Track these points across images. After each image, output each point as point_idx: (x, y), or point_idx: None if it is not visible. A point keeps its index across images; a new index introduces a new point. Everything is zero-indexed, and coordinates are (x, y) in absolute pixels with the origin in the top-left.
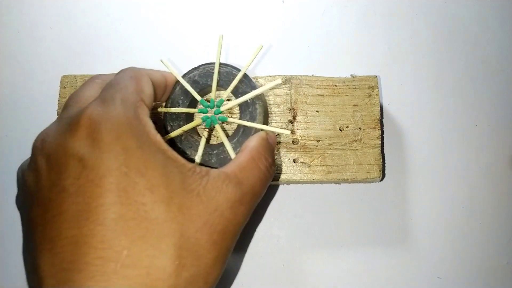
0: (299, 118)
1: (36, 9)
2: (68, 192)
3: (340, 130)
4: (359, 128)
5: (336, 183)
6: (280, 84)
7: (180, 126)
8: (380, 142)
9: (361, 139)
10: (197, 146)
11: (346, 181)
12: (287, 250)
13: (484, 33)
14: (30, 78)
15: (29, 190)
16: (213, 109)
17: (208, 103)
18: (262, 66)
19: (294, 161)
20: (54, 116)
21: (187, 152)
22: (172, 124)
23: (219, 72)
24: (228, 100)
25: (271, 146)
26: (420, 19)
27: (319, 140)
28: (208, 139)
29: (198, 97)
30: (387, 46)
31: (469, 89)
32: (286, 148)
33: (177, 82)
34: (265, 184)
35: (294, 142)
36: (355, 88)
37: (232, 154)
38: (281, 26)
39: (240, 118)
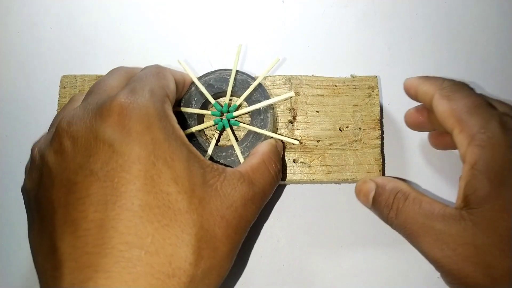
0: (299, 118)
1: (37, 9)
2: (97, 176)
3: (340, 130)
4: (359, 128)
5: (336, 183)
6: (292, 97)
7: (190, 127)
8: (380, 142)
9: (361, 139)
10: (206, 147)
11: (346, 181)
12: (287, 250)
13: (484, 33)
14: (30, 78)
15: (50, 171)
16: (226, 113)
17: (222, 107)
18: (262, 66)
19: (294, 161)
20: (54, 116)
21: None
22: (183, 124)
23: (234, 79)
24: (240, 106)
25: (279, 153)
26: (420, 19)
27: (319, 140)
28: (217, 142)
29: (212, 100)
30: (387, 46)
31: None
32: (286, 148)
33: (192, 83)
34: (274, 187)
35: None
36: (355, 88)
37: (240, 158)
38: (281, 26)
39: (251, 125)
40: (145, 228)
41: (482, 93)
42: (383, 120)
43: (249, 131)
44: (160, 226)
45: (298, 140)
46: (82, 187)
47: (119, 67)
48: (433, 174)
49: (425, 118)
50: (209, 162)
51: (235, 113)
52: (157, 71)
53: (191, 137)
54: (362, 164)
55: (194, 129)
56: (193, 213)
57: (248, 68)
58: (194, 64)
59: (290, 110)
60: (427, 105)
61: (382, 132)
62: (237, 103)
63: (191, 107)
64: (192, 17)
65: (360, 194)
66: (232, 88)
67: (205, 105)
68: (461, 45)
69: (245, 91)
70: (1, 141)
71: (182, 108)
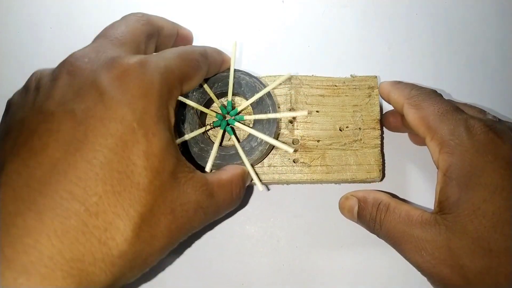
0: (299, 118)
1: (37, 9)
2: (75, 116)
3: (340, 130)
4: (359, 128)
5: (336, 183)
6: (305, 115)
7: (193, 120)
8: (380, 142)
9: (361, 139)
10: (207, 144)
11: (346, 181)
12: (287, 250)
13: (484, 33)
14: None
15: (37, 94)
16: (230, 115)
17: (225, 108)
18: (262, 66)
19: (294, 161)
20: None
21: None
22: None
23: (245, 80)
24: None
25: (246, 182)
26: (420, 19)
27: (319, 140)
28: (221, 142)
29: (213, 113)
30: (387, 46)
31: (468, 89)
32: (285, 117)
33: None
34: (229, 209)
35: (294, 142)
36: (355, 88)
37: (245, 160)
38: (281, 26)
39: (254, 128)
40: (96, 187)
41: (482, 93)
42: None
43: (250, 134)
44: (112, 191)
45: (293, 148)
46: (56, 120)
47: (141, 15)
48: (433, 173)
49: (399, 122)
50: (184, 158)
51: (239, 108)
52: (184, 55)
53: (197, 138)
54: (362, 164)
55: (200, 130)
56: (149, 194)
57: (248, 68)
58: None
59: (290, 110)
60: (399, 112)
61: (382, 132)
62: (243, 106)
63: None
64: (192, 17)
65: (344, 210)
66: (240, 88)
67: (208, 103)
68: (461, 45)
69: (251, 93)
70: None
71: (187, 100)
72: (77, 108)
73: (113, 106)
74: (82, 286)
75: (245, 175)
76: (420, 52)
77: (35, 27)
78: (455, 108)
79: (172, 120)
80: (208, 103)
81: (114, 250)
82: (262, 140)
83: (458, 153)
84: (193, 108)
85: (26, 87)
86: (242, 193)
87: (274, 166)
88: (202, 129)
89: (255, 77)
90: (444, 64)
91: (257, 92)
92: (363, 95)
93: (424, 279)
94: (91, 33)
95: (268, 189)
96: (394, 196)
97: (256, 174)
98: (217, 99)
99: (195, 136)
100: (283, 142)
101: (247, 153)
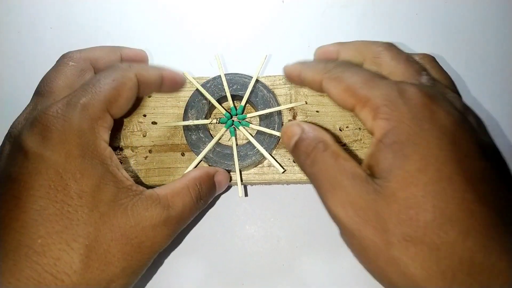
0: (299, 118)
1: (37, 9)
2: (11, 177)
3: (340, 130)
4: (359, 128)
5: None
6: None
7: (202, 109)
8: None
9: (361, 139)
10: (207, 142)
11: None
12: (287, 250)
13: (484, 33)
14: (30, 78)
15: None
16: (238, 118)
17: (229, 112)
18: (262, 66)
19: (294, 161)
20: None
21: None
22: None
23: (263, 93)
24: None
25: (213, 184)
26: (420, 19)
27: None
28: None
29: (222, 110)
30: None
31: (468, 89)
32: (286, 148)
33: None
34: (194, 213)
35: None
36: None
37: (264, 153)
38: (281, 26)
39: (255, 139)
40: (38, 231)
41: (482, 93)
42: None
43: (250, 141)
44: (54, 231)
45: (283, 169)
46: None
47: (67, 55)
48: None
49: (298, 78)
50: (129, 183)
51: (249, 115)
52: (114, 77)
53: (198, 129)
54: None
55: (213, 142)
56: (89, 226)
57: (248, 68)
58: (194, 63)
59: (290, 110)
60: (317, 90)
61: None
62: (249, 115)
63: (202, 107)
64: (192, 17)
65: (284, 135)
66: (256, 98)
67: (221, 100)
68: (461, 45)
69: (263, 106)
70: (2, 141)
71: (203, 90)
72: (12, 171)
73: (37, 159)
74: None
75: (205, 175)
76: (420, 52)
77: (35, 27)
78: (379, 76)
79: (106, 150)
80: (221, 100)
81: (67, 282)
82: (258, 151)
83: (395, 119)
84: (205, 98)
85: None
86: (207, 193)
87: (274, 166)
88: (208, 121)
89: (272, 92)
90: (444, 64)
91: (269, 107)
92: None
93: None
94: (91, 33)
95: (246, 195)
96: None
97: (241, 180)
98: (219, 105)
99: (198, 124)
100: (277, 161)
101: (241, 158)
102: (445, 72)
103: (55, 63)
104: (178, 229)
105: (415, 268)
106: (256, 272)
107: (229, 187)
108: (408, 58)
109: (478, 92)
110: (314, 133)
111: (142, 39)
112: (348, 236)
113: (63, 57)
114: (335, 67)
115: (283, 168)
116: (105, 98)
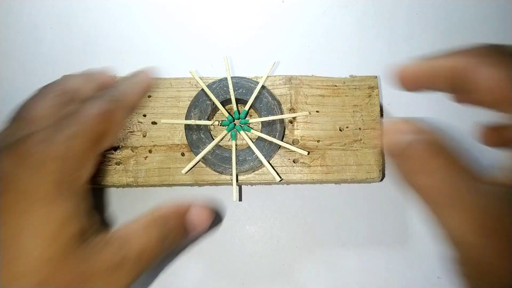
0: (299, 118)
1: (37, 9)
2: None
3: (340, 130)
4: (359, 128)
5: (336, 183)
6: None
7: (205, 110)
8: (380, 142)
9: (361, 139)
10: (208, 142)
11: (346, 181)
12: (287, 250)
13: (484, 33)
14: (30, 78)
15: None
16: (240, 122)
17: (232, 115)
18: (262, 66)
19: (294, 161)
20: None
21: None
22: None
23: (267, 99)
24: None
25: (182, 223)
26: (420, 19)
27: (319, 140)
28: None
29: (225, 113)
30: (387, 46)
31: None
32: (286, 148)
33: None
34: (157, 255)
35: (294, 142)
36: (355, 88)
37: (262, 158)
38: (281, 26)
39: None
40: None
41: None
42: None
43: (249, 147)
44: (6, 259)
45: (279, 178)
46: None
47: (50, 86)
48: None
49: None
50: (95, 221)
51: (251, 120)
52: (100, 109)
53: (199, 129)
54: (362, 164)
55: (214, 142)
56: (36, 276)
57: (248, 68)
58: (194, 64)
59: (290, 110)
60: (447, 88)
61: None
62: (252, 120)
63: (206, 107)
64: (192, 17)
65: (390, 133)
66: (260, 104)
67: (225, 102)
68: (461, 45)
69: (267, 113)
70: None
71: (208, 91)
72: None
73: (10, 180)
74: None
75: (176, 215)
76: (420, 52)
77: (35, 27)
78: None
79: (84, 181)
80: (225, 102)
81: None
82: (256, 157)
83: None
84: (210, 99)
85: None
86: (176, 233)
87: (274, 166)
88: (210, 122)
89: (277, 100)
90: None
91: (273, 114)
92: (363, 95)
93: (424, 279)
94: (91, 33)
95: (240, 200)
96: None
97: (237, 186)
98: (223, 107)
99: (199, 124)
100: (274, 170)
101: (239, 163)
102: None
103: (33, 92)
104: (137, 272)
105: None
106: (256, 272)
107: (227, 191)
108: None
109: None
110: (433, 135)
111: (142, 39)
112: (469, 267)
113: (44, 88)
114: (486, 49)
115: (280, 177)
116: (92, 130)
